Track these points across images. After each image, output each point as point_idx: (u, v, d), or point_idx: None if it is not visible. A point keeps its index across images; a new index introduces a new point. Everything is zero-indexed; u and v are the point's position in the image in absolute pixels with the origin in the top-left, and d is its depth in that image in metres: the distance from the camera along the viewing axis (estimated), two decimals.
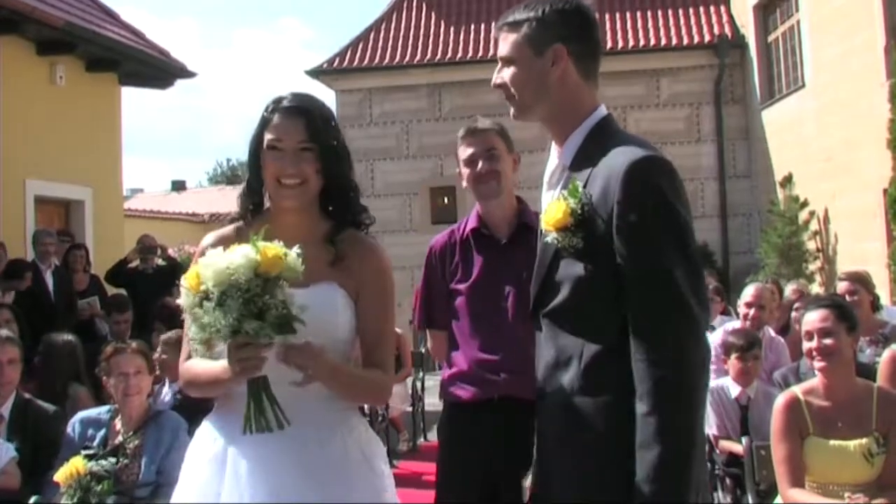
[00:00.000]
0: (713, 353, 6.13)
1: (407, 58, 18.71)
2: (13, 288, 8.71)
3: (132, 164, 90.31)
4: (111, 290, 10.15)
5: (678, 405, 2.18)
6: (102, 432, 4.44)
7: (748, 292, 6.49)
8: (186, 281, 2.33)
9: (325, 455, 2.47)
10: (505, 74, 2.48)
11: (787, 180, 14.94)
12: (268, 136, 2.58)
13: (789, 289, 8.15)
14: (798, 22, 15.23)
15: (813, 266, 14.04)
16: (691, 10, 18.53)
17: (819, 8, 14.04)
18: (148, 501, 4.18)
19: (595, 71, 2.53)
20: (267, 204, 2.70)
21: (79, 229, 12.04)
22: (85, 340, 6.65)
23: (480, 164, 3.71)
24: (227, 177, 50.56)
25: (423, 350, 10.62)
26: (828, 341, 3.86)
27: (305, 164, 2.56)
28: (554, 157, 2.52)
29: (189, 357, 2.60)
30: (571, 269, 2.35)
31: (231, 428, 2.47)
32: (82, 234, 11.95)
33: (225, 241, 2.56)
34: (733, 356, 5.47)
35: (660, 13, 18.52)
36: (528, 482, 2.62)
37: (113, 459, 4.22)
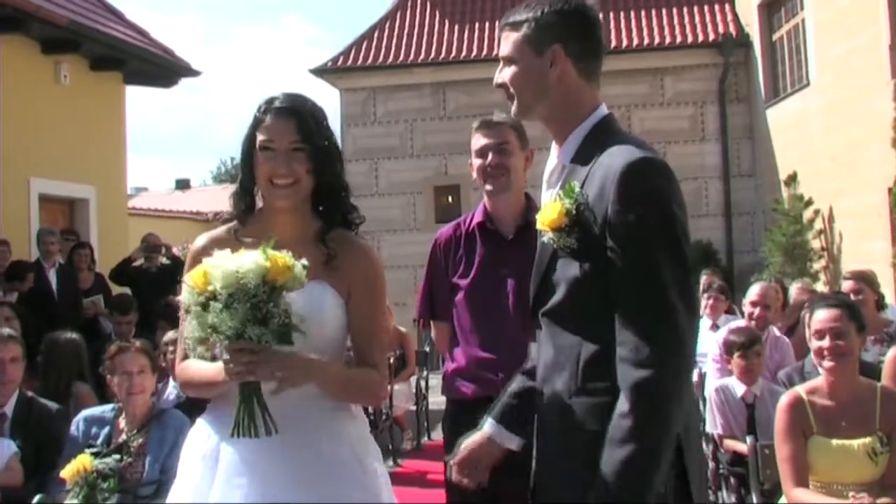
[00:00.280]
0: (717, 351, 6.19)
1: (411, 57, 18.70)
2: (15, 289, 8.73)
3: (136, 163, 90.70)
4: (116, 289, 10.16)
5: (655, 409, 2.20)
6: (106, 430, 4.45)
7: (753, 291, 6.48)
8: (192, 279, 2.34)
9: (314, 455, 2.49)
10: (505, 74, 2.50)
11: (792, 179, 14.91)
12: (260, 137, 2.60)
13: (794, 288, 8.12)
14: (803, 20, 15.20)
15: (817, 265, 14.02)
16: (695, 9, 18.50)
17: (824, 6, 14.01)
18: (152, 500, 4.19)
19: (596, 70, 2.55)
20: (259, 204, 2.71)
21: (83, 228, 12.07)
22: (89, 339, 6.66)
23: (490, 156, 3.70)
24: (231, 175, 50.59)
25: (427, 349, 10.63)
26: (840, 342, 3.85)
27: (297, 163, 2.59)
28: (554, 156, 2.53)
29: (185, 356, 2.62)
30: (568, 270, 2.37)
31: (224, 426, 2.48)
32: (86, 232, 11.98)
33: (218, 243, 2.59)
34: (736, 354, 5.46)
35: (664, 12, 18.49)
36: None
37: (117, 457, 4.23)
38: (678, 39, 17.97)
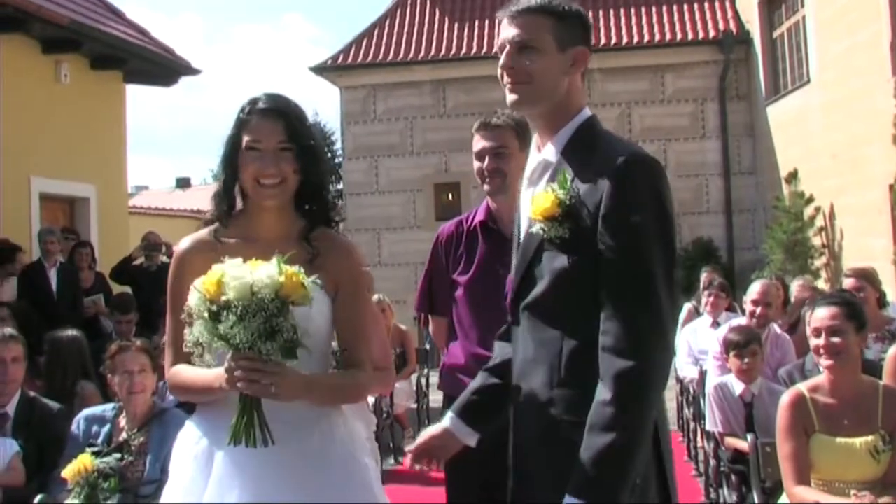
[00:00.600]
0: (718, 349, 6.18)
1: (411, 54, 18.70)
2: (8, 273, 8.70)
3: (137, 162, 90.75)
4: (116, 288, 10.16)
5: (637, 399, 2.24)
6: (107, 429, 4.45)
7: (754, 289, 6.48)
8: (204, 286, 2.35)
9: (305, 452, 2.50)
10: (528, 61, 2.43)
11: (793, 176, 14.90)
12: (247, 137, 2.61)
13: (795, 285, 8.10)
14: (804, 17, 15.19)
15: (818, 262, 14.01)
16: (696, 6, 18.49)
17: (825, 3, 13.99)
18: (152, 499, 4.18)
19: (584, 79, 2.58)
20: (239, 205, 2.73)
21: (83, 227, 12.06)
22: (89, 338, 6.65)
23: (488, 160, 3.71)
24: None
25: (427, 346, 10.63)
26: (836, 340, 3.84)
27: (284, 163, 2.61)
28: (535, 155, 2.55)
29: (174, 361, 2.63)
30: (554, 262, 2.39)
31: (214, 428, 2.50)
32: (87, 231, 11.98)
33: (203, 246, 2.64)
34: (732, 353, 5.47)
35: (664, 9, 18.48)
36: None
37: (118, 456, 4.23)
38: (679, 36, 17.96)
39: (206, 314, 2.32)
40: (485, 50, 17.75)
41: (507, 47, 2.46)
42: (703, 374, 6.94)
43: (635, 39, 17.93)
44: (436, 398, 9.53)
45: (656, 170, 2.38)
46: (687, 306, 9.50)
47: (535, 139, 2.58)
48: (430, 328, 4.21)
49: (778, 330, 6.54)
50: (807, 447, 3.86)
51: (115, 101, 13.06)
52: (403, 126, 18.73)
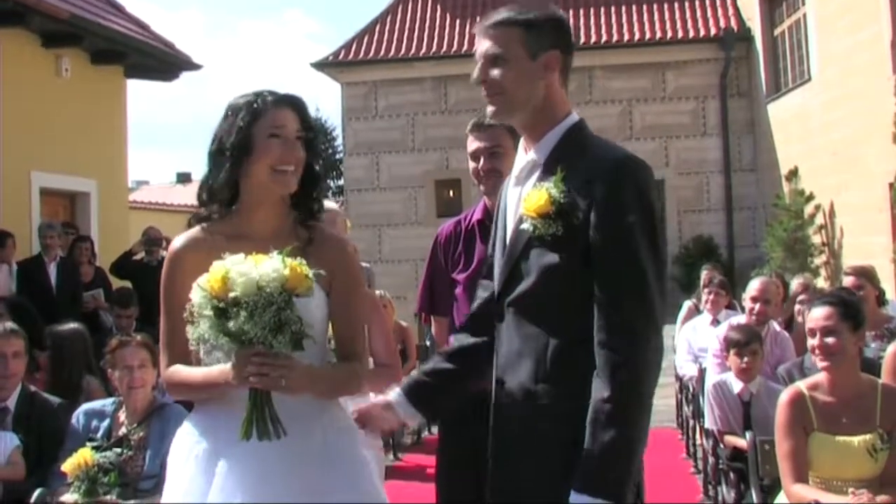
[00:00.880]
0: (717, 346, 6.19)
1: (413, 50, 18.70)
2: (0, 260, 8.71)
3: (137, 157, 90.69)
4: (116, 283, 10.16)
5: (636, 393, 2.31)
6: (106, 424, 4.46)
7: (753, 286, 6.48)
8: (208, 283, 2.35)
9: (308, 449, 2.50)
10: (496, 73, 2.53)
11: (793, 174, 14.91)
12: (270, 124, 2.61)
13: (795, 283, 8.12)
14: (804, 15, 15.19)
15: (818, 260, 14.02)
16: (697, 3, 18.49)
17: (826, 1, 13.99)
18: (152, 493, 4.19)
19: (568, 80, 2.63)
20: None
21: (84, 221, 12.06)
22: (90, 332, 6.64)
23: (482, 160, 3.72)
24: None
25: (428, 343, 10.62)
26: (830, 340, 3.84)
27: (300, 151, 2.65)
28: (522, 155, 2.61)
29: (171, 361, 2.65)
30: (542, 259, 2.44)
31: (215, 427, 2.51)
32: (87, 226, 11.97)
33: (197, 244, 2.63)
34: (732, 352, 5.47)
35: (665, 6, 18.47)
36: None
37: (118, 451, 4.23)
38: (680, 34, 17.95)
39: (211, 311, 2.33)
40: None
41: (481, 61, 2.56)
42: (702, 371, 6.94)
43: (636, 37, 17.92)
44: None
45: (646, 172, 2.47)
46: (687, 304, 9.51)
47: (522, 141, 2.64)
48: (434, 329, 4.23)
49: (777, 327, 6.54)
50: (805, 445, 3.86)
51: (116, 96, 13.06)
52: (405, 122, 18.73)
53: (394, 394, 2.73)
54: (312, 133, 2.70)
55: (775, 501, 4.18)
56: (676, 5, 18.47)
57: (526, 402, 2.44)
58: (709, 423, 5.65)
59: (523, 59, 2.50)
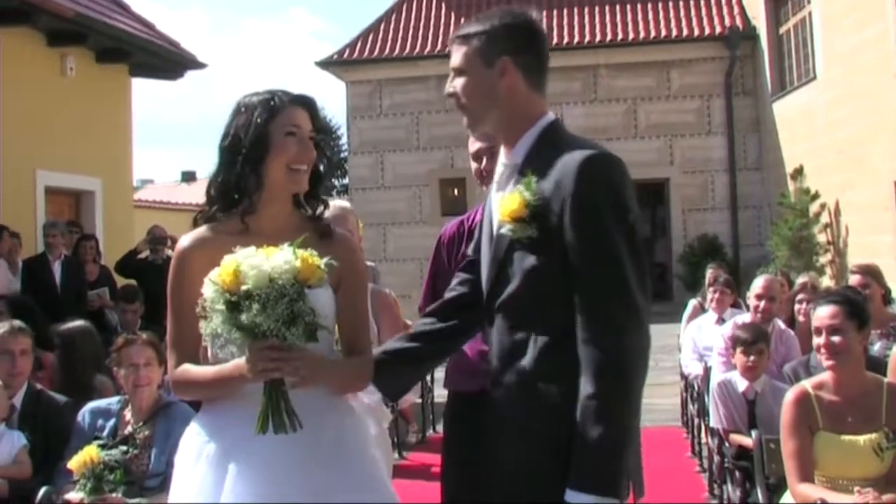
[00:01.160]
0: (723, 345, 6.18)
1: (417, 49, 18.71)
2: None
3: (142, 155, 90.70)
4: (121, 282, 10.18)
5: (622, 388, 2.32)
6: (112, 422, 4.46)
7: (758, 284, 6.48)
8: (220, 277, 2.35)
9: (319, 443, 2.50)
10: (457, 84, 2.61)
11: (798, 172, 14.90)
12: (287, 122, 2.62)
13: (799, 282, 8.12)
14: (810, 14, 15.17)
15: (823, 259, 14.00)
16: (702, 2, 18.48)
17: (831, 0, 13.98)
18: (157, 492, 4.19)
19: (543, 81, 2.66)
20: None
21: (89, 220, 12.08)
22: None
23: (484, 161, 3.72)
24: None
25: None
26: (835, 339, 3.83)
27: (313, 151, 2.68)
28: (503, 160, 2.64)
29: (179, 361, 2.65)
30: (524, 261, 2.47)
31: (226, 426, 2.51)
32: (92, 224, 11.99)
33: (204, 243, 2.64)
34: (738, 350, 5.46)
35: (670, 5, 18.46)
36: None
37: (123, 449, 4.24)
38: (685, 32, 17.94)
39: (223, 305, 2.33)
40: None
41: (451, 74, 2.64)
42: (707, 370, 6.94)
43: (641, 35, 17.91)
44: (440, 393, 9.54)
45: (615, 165, 2.47)
46: (692, 302, 9.50)
47: (502, 147, 2.67)
48: None
49: (782, 325, 6.54)
50: (811, 444, 3.86)
51: (121, 95, 13.08)
52: (409, 121, 18.74)
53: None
54: (322, 135, 2.72)
55: (781, 500, 4.17)
56: (682, 4, 18.46)
57: (519, 402, 2.47)
58: (714, 421, 5.65)
59: (479, 69, 2.57)
